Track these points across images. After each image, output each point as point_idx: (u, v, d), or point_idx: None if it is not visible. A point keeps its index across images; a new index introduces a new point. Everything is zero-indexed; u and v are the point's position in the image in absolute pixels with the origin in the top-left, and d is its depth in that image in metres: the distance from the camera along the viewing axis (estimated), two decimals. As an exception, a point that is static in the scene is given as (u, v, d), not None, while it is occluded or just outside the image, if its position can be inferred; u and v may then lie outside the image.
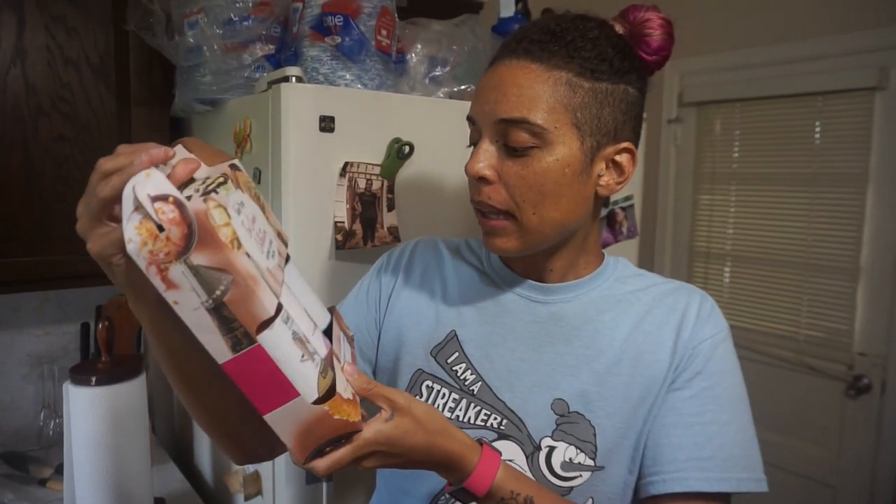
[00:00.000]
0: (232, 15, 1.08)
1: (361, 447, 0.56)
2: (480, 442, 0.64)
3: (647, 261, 2.32)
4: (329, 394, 0.53)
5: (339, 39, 1.04)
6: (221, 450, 0.74)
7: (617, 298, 0.75)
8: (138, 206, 0.45)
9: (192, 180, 0.49)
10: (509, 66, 0.68)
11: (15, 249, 1.13)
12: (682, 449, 0.68)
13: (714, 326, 0.72)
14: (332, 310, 0.66)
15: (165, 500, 1.20)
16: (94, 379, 0.98)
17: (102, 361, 1.03)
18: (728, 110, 2.13)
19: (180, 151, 0.52)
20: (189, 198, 0.45)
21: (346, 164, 1.01)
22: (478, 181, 0.69)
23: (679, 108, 2.24)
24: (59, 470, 1.27)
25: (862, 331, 1.84)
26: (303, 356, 0.52)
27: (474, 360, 0.75)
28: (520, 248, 0.70)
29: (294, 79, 0.97)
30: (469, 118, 0.72)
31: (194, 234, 0.45)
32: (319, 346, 0.56)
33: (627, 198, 1.47)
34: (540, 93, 0.66)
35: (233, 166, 0.54)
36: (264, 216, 0.55)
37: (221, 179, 0.49)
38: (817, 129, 1.90)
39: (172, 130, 1.30)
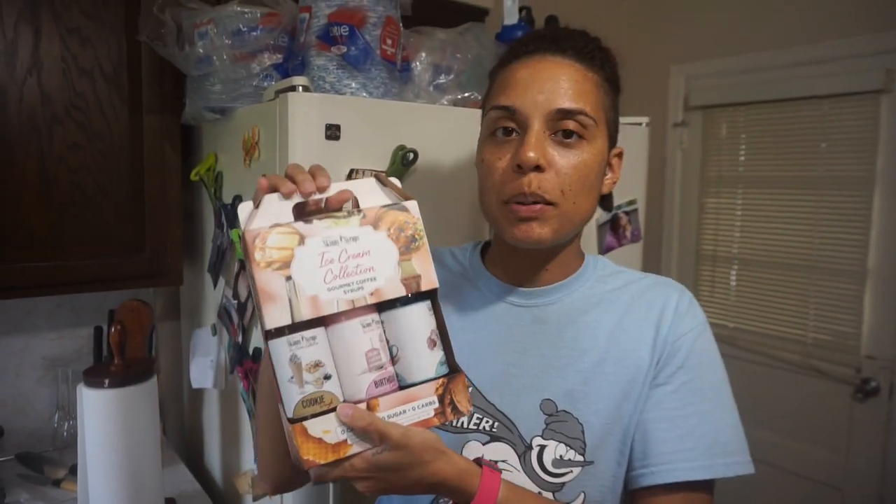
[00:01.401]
0: (241, 25, 1.10)
1: (347, 471, 0.59)
2: (479, 463, 0.66)
3: (653, 264, 2.33)
4: (299, 420, 0.58)
5: (344, 49, 1.06)
6: (264, 470, 0.82)
7: (598, 298, 0.78)
8: (239, 217, 0.61)
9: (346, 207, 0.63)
10: (555, 62, 0.72)
11: (30, 255, 1.16)
12: (667, 442, 0.70)
13: (692, 320, 0.75)
14: (453, 375, 0.64)
15: (176, 501, 1.22)
16: (106, 381, 1.00)
17: (115, 364, 1.05)
18: (734, 114, 2.13)
19: (368, 182, 0.66)
20: (263, 227, 0.59)
21: (351, 170, 1.03)
22: (532, 169, 0.69)
23: (685, 112, 2.25)
24: (73, 470, 1.29)
25: (869, 334, 1.83)
26: (291, 378, 0.58)
27: (464, 368, 0.77)
28: (553, 238, 0.72)
29: (301, 88, 0.99)
30: (504, 107, 0.71)
31: (245, 249, 0.58)
32: (349, 385, 0.60)
33: (631, 202, 1.48)
34: (589, 89, 0.72)
35: (396, 206, 0.63)
36: (398, 256, 0.62)
37: (344, 214, 0.61)
38: (823, 133, 1.90)
39: (183, 138, 1.33)
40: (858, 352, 1.85)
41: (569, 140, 0.70)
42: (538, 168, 0.69)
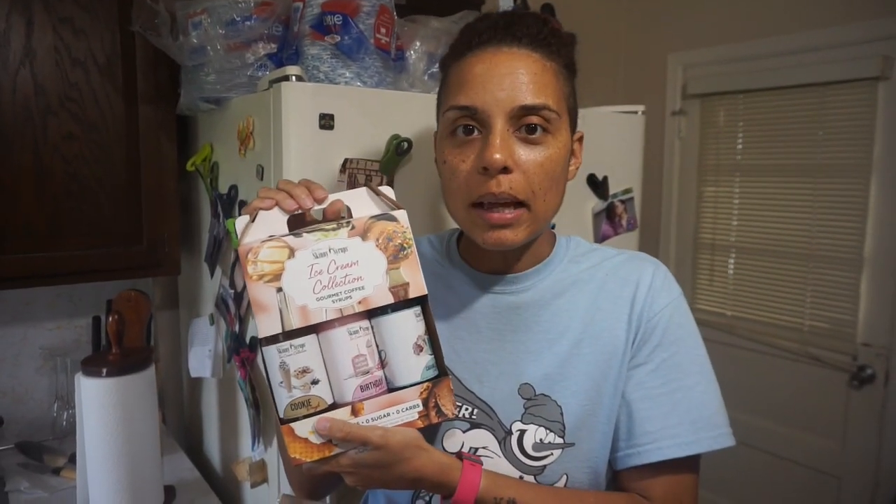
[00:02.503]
0: (234, 15, 1.10)
1: (334, 468, 0.64)
2: (460, 456, 0.68)
3: (651, 253, 2.30)
4: (288, 422, 0.63)
5: (338, 38, 1.06)
6: (300, 483, 0.87)
7: (572, 279, 0.77)
8: (236, 231, 0.65)
9: (342, 217, 0.67)
10: (512, 53, 0.68)
11: (28, 246, 1.17)
12: (651, 421, 0.71)
13: (667, 295, 0.74)
14: (439, 379, 0.67)
15: (175, 488, 1.23)
16: (105, 371, 1.01)
17: (113, 354, 1.06)
18: (732, 102, 2.12)
19: (360, 192, 0.69)
20: (256, 241, 0.63)
21: (345, 160, 1.03)
22: (499, 171, 0.66)
23: (683, 101, 2.24)
24: (72, 459, 1.30)
25: (866, 321, 1.84)
26: (281, 382, 0.63)
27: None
28: (525, 239, 0.70)
29: (294, 77, 0.99)
30: (466, 107, 0.68)
31: (239, 263, 0.64)
32: (337, 389, 0.64)
33: (627, 191, 1.48)
34: (549, 81, 0.69)
35: (384, 216, 0.66)
36: (386, 266, 0.65)
37: (334, 226, 0.64)
38: (821, 120, 1.90)
39: (178, 128, 1.33)
40: (855, 339, 1.86)
41: (533, 136, 0.68)
42: (505, 169, 0.66)
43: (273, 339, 0.63)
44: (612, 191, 1.46)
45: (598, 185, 1.43)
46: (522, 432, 0.72)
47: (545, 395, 0.73)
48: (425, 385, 0.66)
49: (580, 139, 0.78)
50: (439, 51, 1.23)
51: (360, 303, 0.64)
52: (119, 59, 1.21)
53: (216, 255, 1.28)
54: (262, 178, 1.07)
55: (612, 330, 0.73)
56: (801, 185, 1.96)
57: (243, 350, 1.16)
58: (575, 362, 0.73)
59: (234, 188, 1.18)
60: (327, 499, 1.06)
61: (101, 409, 1.02)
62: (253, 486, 1.17)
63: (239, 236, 0.64)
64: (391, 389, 0.66)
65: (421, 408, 0.66)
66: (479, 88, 0.67)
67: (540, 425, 0.72)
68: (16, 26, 1.11)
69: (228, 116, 1.20)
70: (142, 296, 1.44)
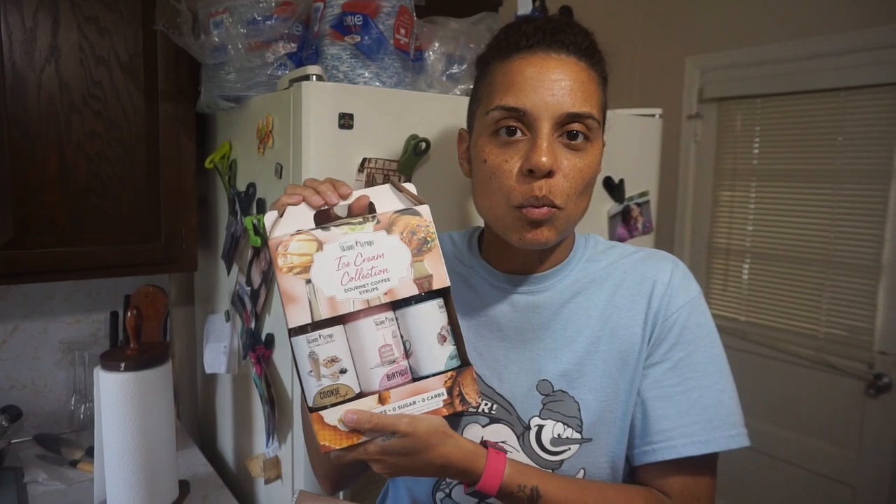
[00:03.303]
0: (255, 14, 1.11)
1: (361, 455, 0.65)
2: (485, 444, 0.69)
3: (665, 257, 2.32)
4: (317, 410, 0.64)
5: (358, 38, 1.06)
6: (324, 474, 0.88)
7: (590, 278, 0.78)
8: (266, 225, 0.68)
9: (368, 212, 0.70)
10: (561, 60, 0.69)
11: (49, 240, 1.18)
12: (667, 419, 0.71)
13: (686, 294, 0.74)
14: (462, 368, 0.69)
15: (189, 483, 1.24)
16: (122, 365, 1.03)
17: (131, 348, 1.07)
18: (749, 106, 2.11)
19: (384, 189, 0.72)
20: (283, 234, 0.65)
21: (364, 160, 1.04)
22: (544, 175, 0.67)
23: (699, 104, 2.23)
24: (89, 452, 1.32)
25: (883, 329, 1.82)
26: (310, 371, 0.65)
27: None
28: (557, 240, 0.72)
29: (314, 77, 1.00)
30: (516, 109, 0.68)
31: (269, 255, 0.66)
32: (363, 378, 0.66)
33: (643, 194, 1.48)
34: (594, 90, 0.71)
35: (407, 211, 0.68)
36: (410, 258, 0.67)
37: (360, 220, 0.67)
38: (840, 125, 1.88)
39: (198, 126, 1.34)
40: (871, 347, 1.84)
41: (576, 142, 0.69)
42: (549, 173, 0.68)
43: (302, 330, 0.65)
44: (628, 194, 1.45)
45: (614, 188, 1.43)
46: (541, 427, 0.74)
47: (563, 392, 0.74)
48: (449, 374, 0.68)
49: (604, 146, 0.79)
50: (458, 52, 1.23)
51: (386, 294, 0.66)
52: (141, 58, 1.23)
53: (233, 252, 1.29)
54: (280, 177, 1.08)
55: (629, 327, 0.74)
56: (818, 191, 1.94)
57: (259, 347, 1.17)
58: (593, 359, 0.74)
59: (252, 186, 1.19)
60: (340, 494, 1.07)
61: (119, 402, 1.03)
62: (267, 482, 1.17)
63: (268, 231, 0.66)
64: (416, 379, 0.68)
65: (446, 396, 0.67)
66: (530, 91, 0.68)
67: (558, 421, 0.73)
68: (42, 24, 1.13)
69: (248, 115, 1.21)
70: (159, 291, 1.46)
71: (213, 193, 1.43)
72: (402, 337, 0.68)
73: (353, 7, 1.06)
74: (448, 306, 0.70)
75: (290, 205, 0.68)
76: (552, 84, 0.68)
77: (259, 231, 1.14)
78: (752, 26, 2.05)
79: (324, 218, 0.69)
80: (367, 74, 1.09)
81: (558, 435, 0.73)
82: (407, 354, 0.68)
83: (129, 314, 1.08)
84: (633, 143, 1.47)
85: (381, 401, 0.65)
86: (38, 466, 1.28)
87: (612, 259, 0.79)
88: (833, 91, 1.88)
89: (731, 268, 2.21)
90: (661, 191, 1.59)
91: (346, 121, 1.02)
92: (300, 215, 0.68)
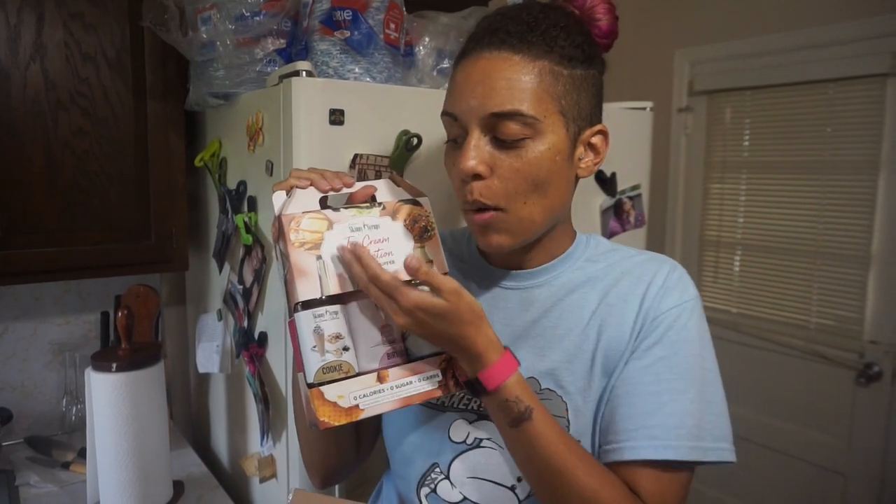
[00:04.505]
0: (244, 10, 1.10)
1: (404, 299, 0.63)
2: (506, 347, 0.68)
3: (657, 249, 2.30)
4: (317, 385, 0.64)
5: (348, 34, 1.06)
6: (313, 466, 0.88)
7: (586, 277, 0.76)
8: (274, 204, 0.69)
9: (371, 200, 0.72)
10: (491, 59, 0.67)
11: (38, 240, 1.17)
12: (632, 418, 0.68)
13: (680, 296, 0.71)
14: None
15: (184, 483, 1.24)
16: (114, 366, 1.02)
17: (122, 349, 1.06)
18: (738, 98, 2.12)
19: (384, 182, 0.74)
20: (296, 212, 0.67)
21: (355, 155, 1.03)
22: (472, 178, 0.68)
23: (689, 97, 2.24)
24: (81, 453, 1.31)
25: (872, 319, 1.84)
26: (314, 347, 0.65)
27: None
28: (513, 242, 0.71)
29: (304, 73, 0.99)
30: (449, 114, 0.71)
31: (280, 231, 0.66)
32: (364, 356, 0.68)
33: (635, 187, 1.48)
34: (528, 83, 0.67)
35: (410, 201, 0.72)
36: (413, 244, 0.69)
37: (366, 206, 0.69)
38: (829, 117, 1.89)
39: (187, 124, 1.33)
40: (861, 337, 1.86)
41: (508, 142, 0.67)
42: (478, 176, 0.68)
43: (308, 305, 0.65)
44: (619, 187, 1.46)
45: (606, 182, 1.43)
46: None
47: (550, 391, 0.73)
48: (443, 356, 0.70)
49: (600, 133, 0.74)
50: (448, 46, 1.23)
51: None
52: (128, 55, 1.22)
53: (224, 250, 1.28)
54: (271, 174, 1.07)
55: (620, 326, 0.71)
56: (808, 182, 1.95)
57: (252, 345, 1.16)
58: (581, 358, 0.72)
59: (242, 184, 1.18)
60: (336, 491, 1.07)
61: (111, 403, 1.02)
62: (262, 481, 1.17)
63: (277, 209, 0.67)
64: (411, 360, 0.69)
65: (440, 378, 0.69)
66: (458, 96, 0.69)
67: None
68: (27, 21, 1.12)
69: (237, 112, 1.20)
70: (150, 291, 1.45)
71: (203, 192, 1.42)
72: None
73: (342, 2, 1.05)
74: None
75: (298, 187, 0.69)
76: (475, 87, 0.67)
77: (250, 229, 1.13)
78: (741, 19, 2.06)
79: (327, 206, 0.70)
80: (357, 70, 1.08)
81: None
82: (403, 336, 0.70)
83: (119, 314, 1.07)
84: (624, 136, 1.47)
85: (380, 379, 0.66)
86: (30, 469, 1.27)
87: (613, 261, 0.77)
88: (821, 83, 1.89)
89: (723, 260, 2.22)
90: (652, 184, 1.59)
91: (336, 117, 1.02)
92: (307, 198, 0.69)
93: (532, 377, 0.73)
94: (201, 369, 1.33)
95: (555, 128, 0.68)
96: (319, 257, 0.66)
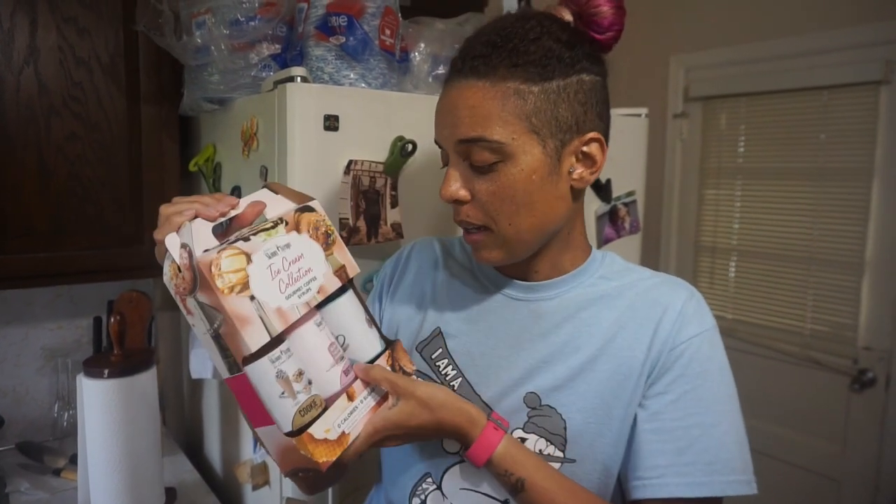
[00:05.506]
0: (239, 15, 1.10)
1: (372, 436, 0.64)
2: (489, 416, 0.69)
3: (652, 255, 2.33)
4: (301, 430, 0.60)
5: (343, 39, 1.05)
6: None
7: (599, 295, 0.75)
8: (169, 251, 0.59)
9: (265, 221, 0.65)
10: (458, 88, 0.69)
11: (30, 245, 1.16)
12: (662, 454, 0.67)
13: (699, 325, 0.70)
14: (392, 343, 0.72)
15: (176, 490, 1.23)
16: (106, 372, 1.01)
17: (115, 354, 1.05)
18: (734, 105, 2.12)
19: (264, 194, 0.68)
20: (206, 251, 0.57)
21: (350, 161, 1.03)
22: (454, 203, 0.71)
23: (685, 103, 2.24)
24: (73, 460, 1.30)
25: (867, 325, 1.84)
26: (283, 393, 0.59)
27: (456, 357, 0.77)
28: (504, 258, 0.73)
29: (299, 79, 0.99)
30: (436, 140, 0.74)
31: (197, 278, 0.56)
32: (325, 383, 0.64)
33: (629, 193, 1.48)
34: (491, 109, 0.66)
35: (304, 208, 0.67)
36: (323, 253, 0.66)
37: (270, 225, 0.62)
38: (823, 124, 1.90)
39: (181, 129, 1.33)
40: (856, 343, 1.86)
41: (481, 167, 0.68)
42: (460, 201, 0.70)
43: (262, 352, 0.59)
44: (615, 194, 1.46)
45: (601, 188, 1.43)
46: (523, 441, 0.71)
47: (550, 407, 0.71)
48: (387, 353, 0.70)
49: (594, 141, 0.71)
50: (443, 52, 1.23)
51: (318, 292, 0.65)
52: (122, 59, 1.21)
53: (218, 255, 1.28)
54: (265, 179, 1.07)
55: (631, 350, 0.70)
56: (802, 189, 1.96)
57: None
58: (587, 378, 0.71)
59: (237, 189, 1.18)
60: (329, 498, 1.06)
61: (103, 410, 1.02)
62: (254, 488, 1.16)
63: (174, 255, 0.58)
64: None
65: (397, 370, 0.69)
66: (437, 124, 0.72)
67: (541, 436, 0.71)
68: (20, 25, 1.11)
69: (232, 117, 1.19)
70: (143, 296, 1.44)
71: (197, 196, 1.41)
72: (333, 334, 0.68)
73: (337, 7, 1.05)
74: (356, 291, 0.71)
75: (184, 220, 0.61)
76: (445, 116, 0.70)
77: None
78: (736, 25, 2.06)
79: (223, 234, 0.63)
80: (352, 76, 1.08)
81: (539, 451, 0.70)
82: (344, 349, 0.68)
83: (112, 320, 1.06)
84: (619, 142, 1.46)
85: (350, 398, 0.65)
86: (21, 475, 1.26)
87: (628, 280, 0.76)
88: (816, 90, 1.90)
89: (718, 266, 2.22)
90: (648, 190, 1.59)
91: (331, 122, 1.01)
92: (201, 233, 0.60)
93: (533, 392, 0.72)
94: (194, 375, 1.32)
95: (527, 148, 0.67)
96: (253, 297, 0.58)
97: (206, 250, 0.57)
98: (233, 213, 0.64)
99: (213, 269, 0.56)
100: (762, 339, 2.06)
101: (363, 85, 1.09)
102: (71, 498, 1.19)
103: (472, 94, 0.67)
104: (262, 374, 0.59)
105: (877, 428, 1.83)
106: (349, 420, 0.63)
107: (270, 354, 0.59)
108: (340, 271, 0.68)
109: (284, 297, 0.61)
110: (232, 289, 0.57)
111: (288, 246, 0.63)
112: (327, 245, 0.67)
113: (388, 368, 0.69)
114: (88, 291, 1.47)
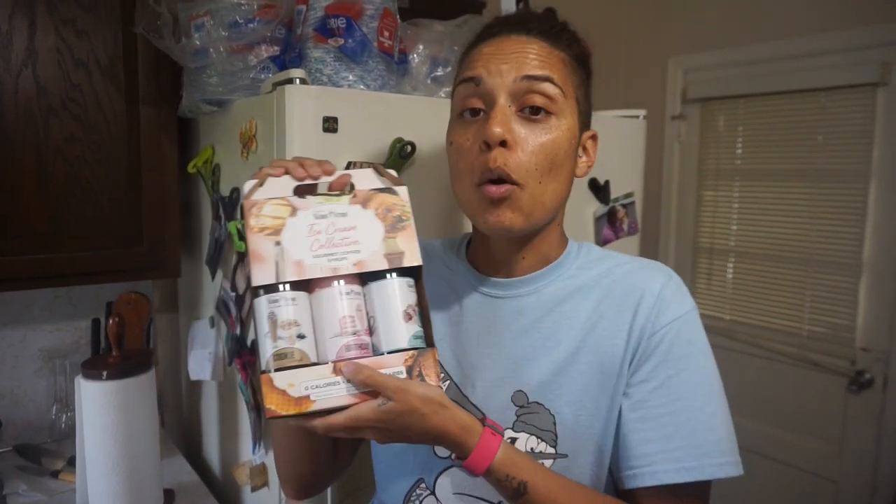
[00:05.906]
0: (237, 17, 1.10)
1: (352, 422, 0.60)
2: (484, 422, 0.66)
3: (650, 257, 2.30)
4: (267, 372, 0.62)
5: (342, 41, 1.06)
6: (286, 476, 0.85)
7: (577, 286, 0.75)
8: (242, 190, 0.68)
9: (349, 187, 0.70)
10: (520, 40, 0.71)
11: (28, 247, 1.16)
12: (651, 442, 0.67)
13: (678, 308, 0.70)
14: (424, 349, 0.66)
15: (175, 492, 1.23)
16: (104, 373, 1.01)
17: (113, 356, 1.05)
18: (731, 106, 2.13)
19: (368, 173, 0.71)
20: (258, 200, 0.65)
21: (349, 163, 1.03)
22: (498, 145, 0.67)
23: (683, 105, 2.25)
24: (71, 462, 1.30)
25: (864, 326, 1.85)
26: (267, 332, 0.63)
27: (441, 360, 0.77)
28: (525, 225, 0.70)
29: (298, 80, 0.99)
30: (471, 78, 0.70)
31: (242, 216, 0.66)
32: (321, 347, 0.63)
33: (628, 195, 1.49)
34: (555, 63, 0.71)
35: (385, 189, 0.69)
36: (384, 234, 0.66)
37: (338, 193, 0.67)
38: (820, 125, 1.90)
39: (180, 130, 1.33)
40: (853, 344, 1.86)
41: (536, 116, 0.69)
42: (504, 144, 0.67)
43: (268, 290, 0.63)
44: (613, 195, 1.46)
45: (599, 190, 1.44)
46: (513, 440, 0.71)
47: (538, 404, 0.71)
48: (411, 353, 0.65)
49: (593, 138, 0.78)
50: (442, 54, 1.23)
51: (355, 265, 0.65)
52: (121, 61, 1.21)
53: (217, 257, 1.28)
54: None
55: (612, 338, 0.70)
56: (800, 190, 1.97)
57: (244, 353, 1.15)
58: (571, 371, 0.70)
59: (235, 191, 1.18)
60: (328, 500, 1.06)
61: (102, 411, 1.01)
62: (253, 490, 1.16)
63: (245, 195, 0.66)
64: (377, 354, 0.65)
65: (404, 374, 0.64)
66: (485, 62, 0.70)
67: (532, 434, 0.70)
68: (18, 27, 1.11)
69: (230, 119, 1.19)
70: (142, 298, 1.44)
71: (196, 198, 1.41)
72: (367, 313, 0.66)
73: (336, 9, 1.05)
74: (418, 286, 0.68)
75: (271, 175, 0.67)
76: (507, 56, 0.70)
77: (243, 236, 1.12)
78: (734, 27, 2.07)
79: (302, 193, 0.68)
80: (351, 77, 1.08)
81: (531, 449, 0.70)
82: (370, 330, 0.66)
83: (110, 321, 1.06)
84: (618, 144, 1.48)
85: (336, 371, 0.62)
86: (19, 478, 1.26)
87: (605, 268, 0.75)
88: (813, 91, 1.91)
89: (716, 267, 2.22)
90: (646, 191, 1.59)
91: (330, 124, 1.01)
92: (280, 186, 0.67)
93: (520, 390, 0.72)
94: (193, 377, 1.32)
95: (571, 111, 0.71)
96: (278, 243, 0.64)
97: (269, 198, 0.65)
98: (325, 179, 0.68)
99: (253, 209, 0.64)
100: (760, 340, 2.07)
101: (362, 86, 1.09)
102: (69, 500, 1.19)
103: (538, 47, 0.71)
104: (258, 309, 0.63)
105: (874, 429, 1.83)
106: (321, 390, 0.61)
107: (271, 295, 0.63)
108: (394, 256, 0.66)
109: (311, 255, 0.64)
110: (262, 229, 0.64)
111: (344, 215, 0.66)
112: (394, 229, 0.67)
113: (402, 370, 0.64)
114: (87, 293, 1.47)
